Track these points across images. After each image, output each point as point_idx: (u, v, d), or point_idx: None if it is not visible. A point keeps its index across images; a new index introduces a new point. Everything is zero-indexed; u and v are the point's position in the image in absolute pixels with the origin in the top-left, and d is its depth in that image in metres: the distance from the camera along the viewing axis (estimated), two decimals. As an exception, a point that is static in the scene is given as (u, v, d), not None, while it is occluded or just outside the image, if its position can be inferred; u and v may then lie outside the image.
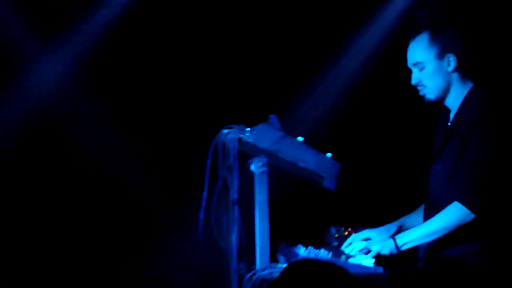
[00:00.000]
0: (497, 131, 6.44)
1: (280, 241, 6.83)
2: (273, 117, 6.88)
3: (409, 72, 6.70)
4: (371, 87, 8.44)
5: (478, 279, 4.14)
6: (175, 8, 8.71)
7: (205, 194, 6.72)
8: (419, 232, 6.51)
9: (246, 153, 6.75)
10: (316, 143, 6.91)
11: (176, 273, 5.38)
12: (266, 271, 6.55)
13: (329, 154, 6.83)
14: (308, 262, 5.08)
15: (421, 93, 6.70)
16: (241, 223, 6.71)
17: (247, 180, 6.75)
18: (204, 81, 8.68)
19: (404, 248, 6.48)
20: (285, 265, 6.65)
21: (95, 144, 8.58)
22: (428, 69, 6.65)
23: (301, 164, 6.82)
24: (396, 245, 6.49)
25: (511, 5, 8.55)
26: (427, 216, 6.64)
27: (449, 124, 6.70)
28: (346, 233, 6.85)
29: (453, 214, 6.39)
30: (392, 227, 6.87)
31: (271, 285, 4.37)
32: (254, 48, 8.73)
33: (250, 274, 6.58)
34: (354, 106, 8.51)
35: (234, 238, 6.71)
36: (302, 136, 6.86)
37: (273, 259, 6.73)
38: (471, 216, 6.31)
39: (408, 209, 7.01)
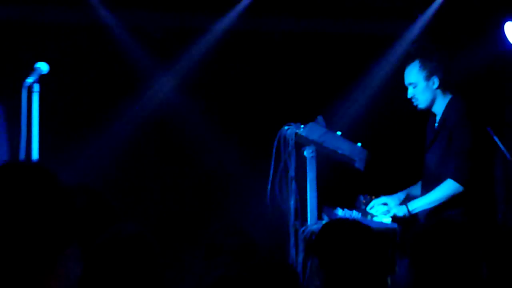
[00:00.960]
0: (472, 128, 6.50)
1: (324, 204, 6.74)
2: (319, 118, 6.88)
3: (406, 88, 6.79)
4: (387, 98, 8.30)
5: (463, 232, 4.00)
6: (249, 40, 8.55)
7: (271, 171, 6.74)
8: (424, 201, 6.56)
9: (300, 143, 6.75)
10: (349, 136, 6.90)
11: (252, 227, 5.27)
12: (314, 226, 6.54)
13: (359, 144, 6.80)
14: (341, 220, 5.54)
15: (414, 104, 6.76)
16: (297, 192, 6.72)
17: (301, 162, 6.76)
18: (274, 94, 8.58)
19: (413, 212, 6.54)
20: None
21: (197, 136, 8.47)
22: (419, 87, 6.71)
23: (339, 151, 6.80)
24: (408, 209, 6.52)
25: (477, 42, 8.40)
26: (423, 189, 6.75)
27: (436, 124, 6.76)
28: (370, 199, 6.70)
29: (449, 188, 6.45)
30: (401, 195, 6.81)
31: (317, 236, 4.23)
32: (308, 71, 8.58)
33: (303, 228, 6.61)
34: (376, 110, 8.37)
35: (292, 203, 6.71)
36: (340, 131, 6.89)
37: (319, 217, 6.69)
38: (461, 188, 6.39)
39: (411, 183, 6.97)
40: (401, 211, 6.53)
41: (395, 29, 8.42)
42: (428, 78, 6.62)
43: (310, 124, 6.73)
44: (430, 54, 6.69)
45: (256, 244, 4.96)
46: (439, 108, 6.68)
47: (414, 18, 8.34)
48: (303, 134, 6.67)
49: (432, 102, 6.67)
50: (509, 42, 8.12)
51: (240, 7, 8.16)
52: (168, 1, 8.12)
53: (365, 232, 4.24)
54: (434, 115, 6.73)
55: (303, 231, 6.56)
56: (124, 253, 3.47)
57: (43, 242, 2.52)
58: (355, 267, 4.02)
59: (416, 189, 6.85)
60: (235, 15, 8.23)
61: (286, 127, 6.72)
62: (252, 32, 8.51)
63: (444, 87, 6.64)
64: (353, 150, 6.72)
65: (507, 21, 8.11)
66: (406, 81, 6.71)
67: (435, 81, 6.61)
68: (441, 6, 8.14)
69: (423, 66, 6.63)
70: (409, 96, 6.70)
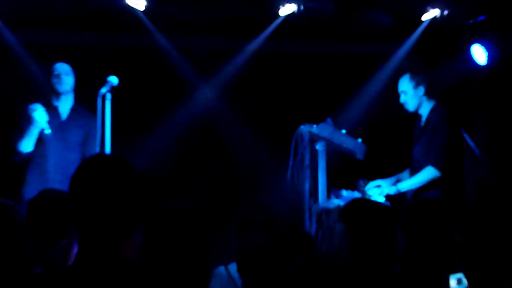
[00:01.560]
0: (449, 128, 6.58)
1: (332, 187, 6.72)
2: (328, 119, 6.88)
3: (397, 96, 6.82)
4: (381, 104, 8.32)
5: (442, 207, 4.04)
6: (273, 58, 8.61)
7: (291, 161, 6.78)
8: (410, 183, 6.65)
9: (313, 139, 6.76)
10: (352, 134, 6.84)
11: (276, 205, 5.27)
12: (324, 204, 6.57)
13: (359, 140, 6.77)
14: (361, 199, 5.64)
15: (405, 107, 6.78)
16: (310, 177, 6.73)
17: (314, 154, 6.75)
18: (293, 101, 8.58)
19: (401, 191, 6.61)
20: (335, 200, 6.60)
21: (232, 135, 8.48)
22: (409, 94, 6.72)
23: (344, 145, 6.78)
24: (397, 189, 6.59)
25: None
26: (411, 174, 6.79)
27: (422, 124, 6.80)
28: (368, 182, 6.73)
29: (429, 173, 6.53)
30: (392, 179, 6.83)
31: (346, 207, 4.27)
32: (319, 83, 8.62)
33: (315, 205, 6.63)
34: (372, 114, 8.37)
35: (306, 186, 6.73)
36: (345, 130, 6.82)
37: (328, 197, 6.67)
38: (439, 174, 6.50)
39: (400, 170, 6.97)
40: (392, 191, 6.58)
41: (387, 50, 8.39)
42: (415, 87, 6.63)
43: (321, 124, 6.76)
44: (417, 68, 6.70)
45: (279, 218, 5.00)
46: (424, 111, 6.71)
47: (402, 42, 8.36)
48: (316, 132, 6.70)
49: (419, 106, 6.70)
50: (475, 61, 8.18)
51: (264, 34, 8.16)
52: (210, 28, 8.13)
53: (383, 208, 4.31)
54: (420, 116, 6.78)
55: (315, 208, 6.57)
56: (177, 224, 3.48)
57: (127, 216, 2.59)
58: (375, 233, 4.07)
59: (404, 174, 6.86)
60: (261, 40, 8.17)
61: (302, 127, 6.75)
62: (275, 52, 8.44)
63: (428, 94, 6.67)
64: (354, 145, 6.71)
65: (473, 43, 8.16)
66: (399, 89, 6.74)
67: (421, 90, 6.63)
68: (423, 32, 8.13)
69: (412, 77, 6.65)
70: (401, 101, 6.73)
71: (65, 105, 6.74)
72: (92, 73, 7.54)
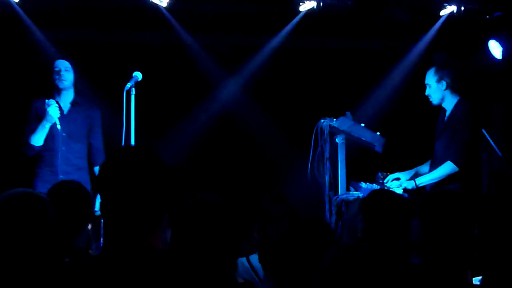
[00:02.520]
0: (471, 125, 6.59)
1: (351, 179, 6.79)
2: (348, 113, 6.94)
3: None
4: (398, 98, 8.31)
5: (460, 199, 4.04)
6: (293, 54, 8.62)
7: (311, 154, 6.76)
8: (428, 177, 6.65)
9: (333, 132, 6.80)
10: (371, 127, 6.87)
11: (297, 196, 5.31)
12: (344, 196, 6.63)
13: (378, 133, 6.78)
14: (381, 189, 5.73)
15: (430, 100, 6.76)
16: (330, 170, 6.75)
17: (334, 147, 6.79)
18: (313, 95, 8.54)
19: (419, 185, 6.61)
20: (355, 192, 6.63)
21: (254, 128, 8.48)
22: (432, 88, 6.73)
23: (363, 138, 6.79)
24: (415, 183, 6.60)
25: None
26: (432, 168, 6.76)
27: (446, 119, 6.79)
28: (386, 175, 6.74)
29: (448, 168, 6.54)
30: (411, 172, 6.88)
31: (366, 198, 4.31)
32: (339, 78, 8.61)
33: (335, 197, 6.66)
34: (390, 108, 8.34)
35: (327, 177, 6.75)
36: (363, 123, 6.86)
37: (347, 189, 6.73)
38: (457, 169, 6.52)
39: (418, 163, 6.97)
40: (410, 185, 6.60)
41: (405, 46, 8.40)
42: (439, 81, 6.65)
43: (341, 118, 6.79)
44: (443, 63, 6.72)
45: (298, 209, 5.03)
46: (448, 106, 6.72)
47: (419, 38, 8.33)
48: (335, 125, 6.72)
49: (442, 100, 6.71)
50: (492, 56, 8.15)
51: (284, 31, 8.18)
52: (233, 25, 8.18)
53: (401, 199, 4.32)
54: (445, 110, 6.77)
55: (335, 199, 6.61)
56: (204, 215, 3.50)
57: (156, 207, 2.57)
58: (392, 221, 4.10)
59: (424, 167, 6.86)
60: (282, 36, 8.20)
61: (322, 120, 6.77)
62: (295, 48, 8.44)
63: (452, 89, 6.67)
64: (373, 138, 6.72)
65: (490, 39, 8.13)
66: (426, 81, 6.74)
67: (444, 84, 6.63)
68: (440, 27, 8.12)
69: (437, 71, 6.67)
70: (426, 93, 6.75)
71: (66, 100, 6.80)
72: (117, 69, 7.61)
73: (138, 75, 6.35)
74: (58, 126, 6.60)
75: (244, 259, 4.57)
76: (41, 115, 6.63)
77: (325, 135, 6.73)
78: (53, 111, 6.55)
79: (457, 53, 7.88)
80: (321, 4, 7.65)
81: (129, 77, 6.33)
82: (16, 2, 7.50)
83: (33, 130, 6.64)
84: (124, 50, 8.27)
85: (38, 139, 6.62)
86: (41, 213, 3.20)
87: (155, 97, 8.11)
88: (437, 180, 6.54)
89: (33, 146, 6.64)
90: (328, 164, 6.73)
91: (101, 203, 2.60)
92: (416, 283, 3.82)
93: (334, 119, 6.77)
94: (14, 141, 7.58)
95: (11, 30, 7.88)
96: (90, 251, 4.50)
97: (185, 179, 4.61)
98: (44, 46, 7.70)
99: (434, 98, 6.72)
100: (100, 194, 2.60)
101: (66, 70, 6.74)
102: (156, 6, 7.67)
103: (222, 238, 3.49)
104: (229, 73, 8.54)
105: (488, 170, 7.81)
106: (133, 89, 6.28)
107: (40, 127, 6.60)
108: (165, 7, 7.73)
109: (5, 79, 7.94)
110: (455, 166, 6.48)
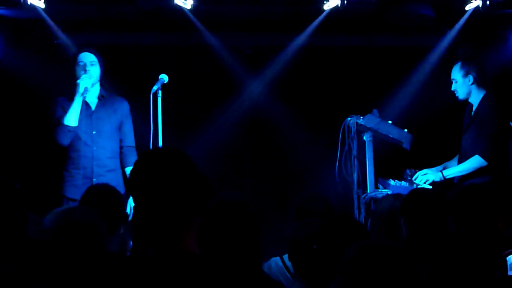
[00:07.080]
0: (499, 119, 6.49)
1: (380, 177, 6.79)
2: (375, 110, 6.94)
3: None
4: (426, 94, 8.25)
5: (489, 192, 4.08)
6: (319, 53, 8.58)
7: (339, 152, 6.78)
8: (456, 170, 6.60)
9: (360, 130, 6.79)
10: (398, 124, 6.90)
11: (326, 195, 5.29)
12: (372, 194, 6.61)
13: (405, 130, 6.80)
14: (422, 188, 5.76)
15: (456, 95, 6.66)
16: (359, 168, 6.75)
17: (361, 145, 6.79)
18: (340, 93, 8.49)
19: (447, 177, 6.57)
20: (383, 190, 6.60)
21: (281, 128, 8.47)
22: (459, 83, 6.63)
23: (391, 135, 6.81)
24: (443, 175, 6.56)
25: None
26: (459, 162, 6.68)
27: (472, 113, 6.69)
28: (415, 172, 6.70)
29: (476, 162, 6.47)
30: (439, 168, 6.76)
31: (405, 199, 4.32)
32: (366, 76, 8.56)
33: (364, 195, 6.65)
34: (418, 104, 8.28)
35: (355, 175, 6.76)
36: (391, 120, 6.90)
37: (376, 187, 6.74)
38: (485, 163, 6.44)
39: (446, 159, 6.86)
40: (438, 177, 6.55)
41: (430, 42, 8.32)
42: (465, 76, 6.55)
43: (368, 116, 6.78)
44: (469, 57, 6.59)
45: (334, 207, 5.05)
46: (475, 100, 6.63)
47: (444, 33, 8.28)
48: (362, 123, 6.71)
49: (469, 95, 6.61)
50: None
51: (309, 29, 8.14)
52: (256, 25, 8.18)
53: (439, 196, 4.33)
54: (471, 105, 6.69)
55: (364, 197, 6.59)
56: (229, 214, 3.45)
57: (186, 208, 2.59)
58: (431, 223, 4.13)
59: (452, 162, 6.77)
60: (306, 35, 8.17)
61: (349, 118, 6.76)
62: (320, 46, 8.41)
63: (478, 84, 6.57)
64: (401, 135, 6.71)
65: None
66: (451, 77, 6.66)
67: (471, 79, 6.54)
68: (465, 22, 8.06)
69: (463, 66, 6.57)
70: (452, 89, 6.65)
71: (92, 96, 6.53)
72: (143, 71, 7.62)
73: (164, 77, 6.33)
74: (85, 94, 6.30)
75: (278, 259, 4.57)
76: (67, 109, 6.35)
77: (352, 133, 6.70)
78: (84, 82, 6.30)
79: (483, 47, 7.80)
80: (345, 2, 7.61)
81: (155, 80, 6.31)
82: (42, 8, 7.52)
83: (63, 113, 6.33)
84: (150, 52, 8.32)
85: (72, 117, 6.30)
86: (95, 229, 3.14)
87: (181, 99, 8.14)
88: (464, 173, 6.48)
89: (68, 127, 6.30)
90: (356, 162, 6.70)
91: (134, 207, 2.58)
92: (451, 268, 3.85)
93: (361, 117, 6.73)
94: (39, 143, 7.63)
95: (38, 35, 7.95)
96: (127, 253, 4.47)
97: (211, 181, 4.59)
98: (70, 51, 7.70)
99: (461, 93, 6.63)
100: (132, 197, 2.59)
101: (92, 65, 6.44)
102: (180, 8, 7.68)
103: (248, 237, 3.44)
104: (254, 72, 8.51)
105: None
106: (160, 91, 6.25)
107: (73, 103, 6.31)
108: (189, 9, 7.75)
109: (33, 83, 7.95)
110: (483, 159, 6.41)
